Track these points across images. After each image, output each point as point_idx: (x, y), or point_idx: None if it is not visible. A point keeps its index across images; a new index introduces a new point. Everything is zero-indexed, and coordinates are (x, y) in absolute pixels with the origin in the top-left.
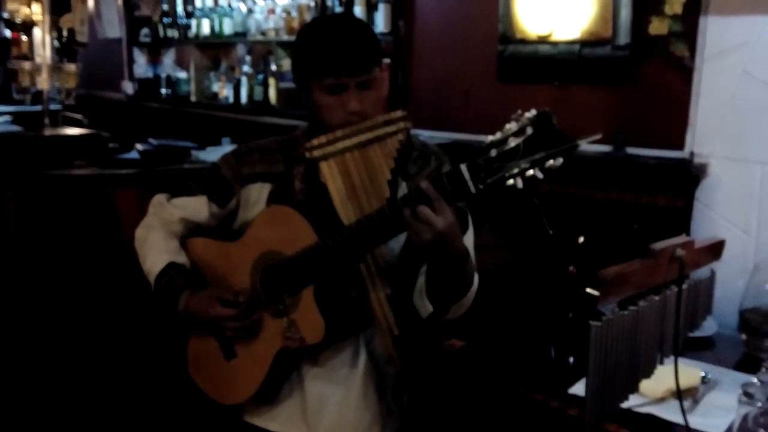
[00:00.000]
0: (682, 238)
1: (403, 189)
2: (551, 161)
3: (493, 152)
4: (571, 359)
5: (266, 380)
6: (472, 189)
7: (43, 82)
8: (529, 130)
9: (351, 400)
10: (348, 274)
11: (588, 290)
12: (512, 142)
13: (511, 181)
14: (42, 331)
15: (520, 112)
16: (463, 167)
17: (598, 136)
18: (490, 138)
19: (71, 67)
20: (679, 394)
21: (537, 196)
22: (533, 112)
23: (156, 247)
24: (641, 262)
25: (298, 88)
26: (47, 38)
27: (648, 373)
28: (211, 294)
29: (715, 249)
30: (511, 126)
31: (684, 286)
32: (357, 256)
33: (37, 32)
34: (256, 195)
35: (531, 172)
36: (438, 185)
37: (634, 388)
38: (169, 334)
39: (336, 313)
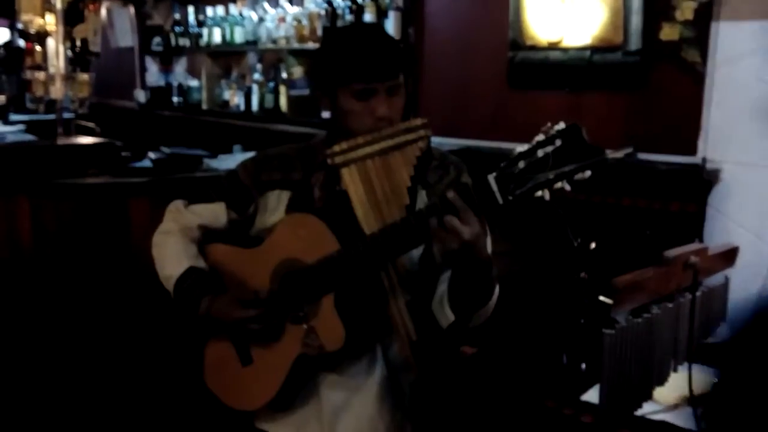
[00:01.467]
0: (695, 245)
1: (422, 197)
2: (580, 173)
3: (522, 163)
4: (584, 366)
5: (283, 387)
6: (500, 200)
7: (57, 92)
8: (558, 142)
9: (367, 408)
10: (368, 281)
11: (601, 298)
12: (541, 154)
13: (539, 193)
14: (55, 339)
15: (549, 124)
16: (491, 178)
17: (629, 150)
18: (518, 149)
19: (84, 77)
20: (693, 400)
21: (562, 207)
22: (562, 124)
23: (175, 253)
24: (655, 269)
25: (321, 93)
26: (61, 48)
27: (662, 380)
28: (232, 296)
29: (729, 256)
30: (540, 138)
31: (697, 293)
32: (380, 265)
33: (50, 42)
34: (275, 202)
35: (559, 184)
36: (464, 195)
37: (647, 396)
38: (181, 340)
39: (356, 321)
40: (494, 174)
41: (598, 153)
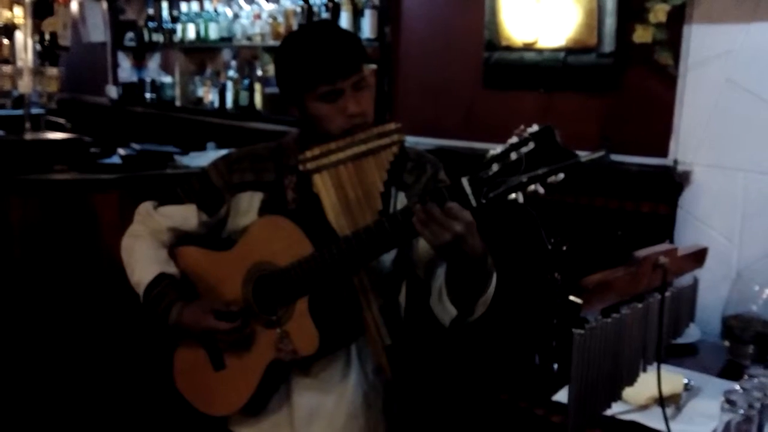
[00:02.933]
0: (665, 246)
1: (402, 199)
2: (553, 176)
3: (495, 166)
4: (556, 366)
5: (256, 392)
6: (473, 203)
7: (25, 86)
8: (532, 145)
9: (341, 411)
10: (342, 284)
11: (571, 298)
12: (514, 157)
13: (512, 196)
14: (22, 337)
15: (522, 126)
16: (465, 181)
17: (602, 153)
18: (491, 152)
19: (53, 71)
20: (662, 401)
21: (535, 208)
22: (535, 126)
23: (144, 258)
24: (624, 269)
25: (289, 103)
26: (29, 42)
27: (631, 380)
28: (204, 306)
29: (698, 256)
30: (513, 140)
31: (667, 294)
32: (354, 268)
33: (18, 36)
34: (247, 204)
35: (532, 187)
36: (438, 198)
37: (617, 396)
38: (152, 342)
39: (329, 325)
40: (468, 177)
41: (570, 156)
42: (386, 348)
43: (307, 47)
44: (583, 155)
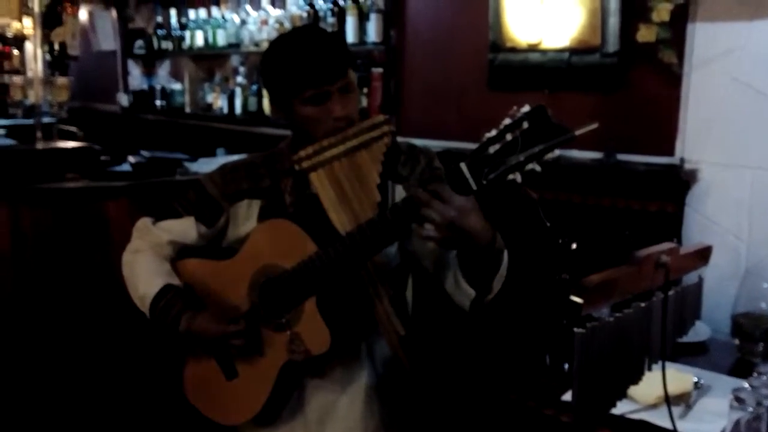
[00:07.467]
0: (667, 245)
1: (400, 192)
2: (549, 153)
3: (492, 149)
4: (566, 366)
5: (271, 396)
6: (474, 186)
7: (35, 96)
8: (525, 125)
9: (355, 410)
10: (349, 280)
11: (573, 298)
12: (509, 138)
13: (510, 176)
14: (35, 345)
15: (515, 108)
16: (463, 165)
17: (594, 125)
18: (486, 135)
19: (63, 81)
20: (668, 399)
21: (533, 190)
22: (527, 107)
23: (147, 271)
24: (625, 269)
25: (276, 107)
26: (39, 52)
27: (636, 379)
28: (212, 313)
29: (702, 254)
30: (507, 122)
31: (670, 293)
32: (360, 263)
33: (28, 46)
34: (245, 212)
35: (530, 165)
36: (444, 177)
37: (621, 394)
38: (163, 350)
39: (340, 322)
40: (466, 161)
41: (564, 131)
42: (401, 339)
43: (293, 52)
44: (577, 131)
